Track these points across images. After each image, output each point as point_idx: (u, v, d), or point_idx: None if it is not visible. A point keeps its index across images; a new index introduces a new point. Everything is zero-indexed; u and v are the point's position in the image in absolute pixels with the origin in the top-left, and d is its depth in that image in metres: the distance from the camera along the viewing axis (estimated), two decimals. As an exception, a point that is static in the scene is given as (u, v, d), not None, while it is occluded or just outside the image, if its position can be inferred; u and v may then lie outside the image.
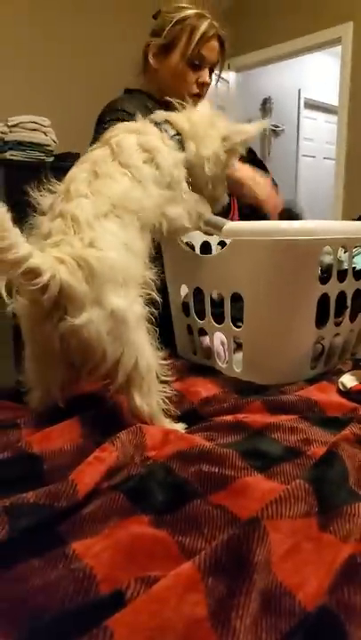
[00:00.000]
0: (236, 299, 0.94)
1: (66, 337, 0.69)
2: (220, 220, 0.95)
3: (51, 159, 2.69)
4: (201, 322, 1.04)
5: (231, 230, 0.93)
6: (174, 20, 1.25)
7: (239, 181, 1.16)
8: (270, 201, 1.22)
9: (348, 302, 1.01)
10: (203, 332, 1.06)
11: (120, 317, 0.70)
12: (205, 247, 1.12)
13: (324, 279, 0.94)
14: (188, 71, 1.29)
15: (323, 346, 1.01)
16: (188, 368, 1.05)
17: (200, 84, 1.31)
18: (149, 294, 0.77)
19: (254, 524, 0.47)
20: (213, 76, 1.36)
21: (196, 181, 0.92)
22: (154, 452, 0.68)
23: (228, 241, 0.94)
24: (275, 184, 1.33)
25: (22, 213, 0.71)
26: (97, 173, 0.77)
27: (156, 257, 0.85)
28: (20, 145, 2.58)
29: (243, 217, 1.37)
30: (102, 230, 0.72)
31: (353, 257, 1.00)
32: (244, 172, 1.16)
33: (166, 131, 0.89)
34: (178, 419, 0.81)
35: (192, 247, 1.08)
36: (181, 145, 0.89)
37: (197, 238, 1.10)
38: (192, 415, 0.83)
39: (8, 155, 2.56)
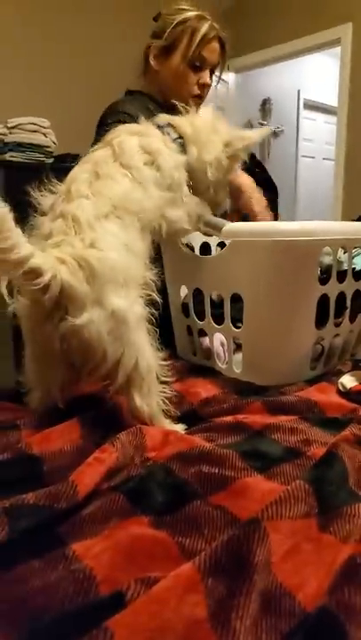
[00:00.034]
0: (236, 299, 0.94)
1: (66, 337, 0.69)
2: (219, 220, 0.95)
3: (50, 160, 2.69)
4: (201, 323, 1.04)
5: (231, 231, 0.93)
6: (175, 22, 1.26)
7: (239, 188, 1.17)
8: (263, 217, 1.23)
9: (348, 303, 1.01)
10: (202, 333, 1.06)
11: (121, 318, 0.70)
12: (205, 248, 1.12)
13: (323, 280, 0.94)
14: (189, 72, 1.30)
15: (322, 346, 1.01)
16: (187, 369, 1.05)
17: (201, 85, 1.32)
18: (150, 295, 0.77)
19: (254, 524, 0.47)
20: (214, 78, 1.36)
21: (197, 185, 0.92)
22: (154, 452, 0.68)
23: (227, 242, 0.94)
24: (273, 200, 1.34)
25: (22, 214, 0.71)
26: (98, 174, 0.78)
27: (156, 258, 0.85)
28: (19, 146, 2.58)
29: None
30: (103, 231, 0.72)
31: (353, 257, 1.00)
32: (245, 179, 1.17)
33: (168, 134, 0.89)
34: (178, 419, 0.81)
35: (192, 248, 1.08)
36: (183, 148, 0.90)
37: (197, 239, 1.10)
38: (192, 416, 0.83)
39: (8, 156, 2.56)
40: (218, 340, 1.04)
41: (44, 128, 2.66)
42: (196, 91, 1.33)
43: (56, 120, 2.75)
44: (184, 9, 1.28)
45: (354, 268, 1.02)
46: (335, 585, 0.42)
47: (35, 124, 2.62)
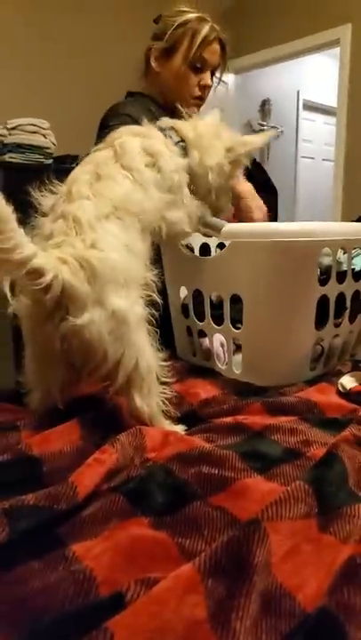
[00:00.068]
0: (236, 300, 0.94)
1: (67, 337, 0.69)
2: (218, 221, 0.95)
3: (50, 161, 2.69)
4: (200, 323, 1.04)
5: (230, 232, 0.93)
6: (176, 24, 1.27)
7: (238, 195, 1.17)
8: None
9: (348, 303, 1.01)
10: (202, 334, 1.07)
11: (121, 318, 0.70)
12: (204, 249, 1.12)
13: (323, 280, 0.94)
14: (190, 74, 1.31)
15: (322, 347, 1.01)
16: (187, 370, 1.05)
17: (202, 86, 1.33)
18: (150, 296, 0.77)
19: (254, 525, 0.47)
20: (214, 79, 1.37)
21: (198, 190, 0.93)
22: (153, 453, 0.68)
23: (227, 243, 0.94)
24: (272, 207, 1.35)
25: (22, 215, 0.71)
26: (99, 175, 0.78)
27: (156, 259, 0.86)
28: (19, 147, 2.58)
29: None
30: (104, 232, 0.73)
31: (352, 258, 1.00)
32: (245, 187, 1.17)
33: (171, 137, 0.89)
34: (177, 420, 0.81)
35: (191, 249, 1.08)
36: (185, 152, 0.90)
37: (196, 240, 1.10)
38: (192, 417, 0.83)
39: (7, 157, 2.56)
40: (218, 341, 1.04)
41: (44, 129, 2.66)
42: (197, 92, 1.34)
43: (56, 121, 2.76)
44: (185, 11, 1.29)
45: (353, 269, 1.02)
46: (335, 585, 0.42)
47: (34, 126, 2.63)
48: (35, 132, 2.63)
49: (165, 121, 0.93)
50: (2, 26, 3.08)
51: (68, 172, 0.82)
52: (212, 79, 1.36)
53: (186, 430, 0.78)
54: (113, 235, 0.74)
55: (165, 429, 0.75)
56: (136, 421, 0.75)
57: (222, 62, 1.35)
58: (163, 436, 0.72)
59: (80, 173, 0.79)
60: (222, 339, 1.03)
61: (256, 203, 1.21)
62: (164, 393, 0.79)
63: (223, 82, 1.42)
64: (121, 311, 0.70)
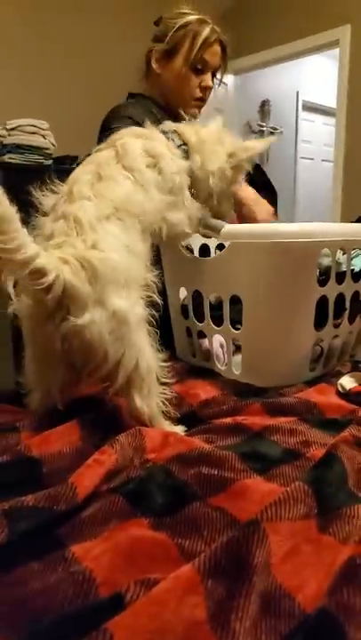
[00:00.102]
0: (235, 301, 0.94)
1: (68, 337, 0.69)
2: (218, 222, 0.95)
3: (49, 162, 2.70)
4: (200, 324, 1.04)
5: (229, 233, 0.93)
6: (177, 26, 1.28)
7: (241, 202, 1.17)
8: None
9: (347, 304, 1.01)
10: (202, 335, 1.07)
11: (122, 318, 0.70)
12: (204, 250, 1.12)
13: (322, 281, 0.94)
14: (191, 75, 1.32)
15: (322, 348, 1.01)
16: (187, 370, 1.05)
17: (203, 87, 1.34)
18: (150, 297, 0.78)
19: (254, 526, 0.47)
20: (215, 80, 1.37)
21: (200, 194, 0.93)
22: (153, 454, 0.68)
23: (226, 243, 0.94)
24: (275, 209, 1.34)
25: (22, 216, 0.71)
26: (100, 176, 0.78)
27: (156, 260, 0.86)
28: (18, 148, 2.58)
29: None
30: (104, 232, 0.73)
31: (351, 259, 1.00)
32: (247, 193, 1.17)
33: (173, 140, 0.90)
34: (177, 421, 0.81)
35: (191, 250, 1.08)
36: (187, 155, 0.91)
37: (196, 241, 1.10)
38: (191, 417, 0.83)
39: (7, 158, 2.56)
40: (217, 342, 1.04)
41: (43, 130, 2.67)
42: (198, 93, 1.34)
43: (55, 122, 2.76)
44: (185, 13, 1.29)
45: (353, 270, 1.02)
46: (335, 586, 0.42)
47: (34, 126, 2.63)
48: (34, 133, 2.63)
49: (168, 124, 0.94)
50: (1, 26, 3.08)
51: (67, 172, 0.82)
52: (212, 80, 1.36)
53: (185, 431, 0.78)
54: (114, 235, 0.74)
55: (165, 430, 0.75)
56: (136, 422, 0.75)
57: (223, 64, 1.36)
58: (162, 437, 0.72)
59: (81, 173, 0.79)
60: (222, 339, 1.03)
61: (259, 207, 1.20)
62: (164, 394, 0.79)
63: (223, 83, 1.42)
64: (121, 311, 0.70)
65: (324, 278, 0.95)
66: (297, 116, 5.51)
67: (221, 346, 1.04)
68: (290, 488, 0.53)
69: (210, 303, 1.01)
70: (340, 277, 0.98)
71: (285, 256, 0.89)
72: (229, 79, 4.42)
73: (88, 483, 0.58)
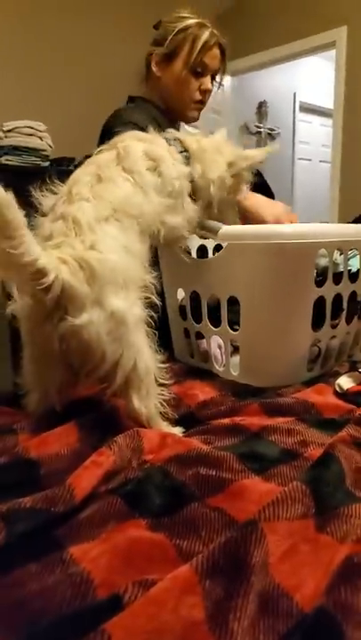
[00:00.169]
0: (233, 302, 0.95)
1: (66, 338, 0.69)
2: (215, 224, 0.96)
3: (47, 164, 2.70)
4: (198, 325, 1.05)
5: (227, 234, 0.93)
6: (176, 30, 1.29)
7: (245, 211, 1.17)
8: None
9: (345, 305, 1.01)
10: (200, 336, 1.07)
11: (120, 319, 0.70)
12: (202, 251, 1.12)
13: (320, 282, 0.94)
14: (191, 78, 1.33)
15: (319, 348, 1.01)
16: (185, 371, 1.05)
17: (202, 90, 1.35)
18: (148, 298, 0.78)
19: (252, 526, 0.47)
20: (214, 83, 1.38)
21: (201, 202, 0.94)
22: (151, 455, 0.68)
23: (224, 244, 0.94)
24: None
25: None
26: (100, 177, 0.79)
27: (154, 261, 0.86)
28: (15, 150, 2.58)
29: None
30: (103, 233, 0.73)
31: (348, 259, 1.01)
32: (252, 200, 1.17)
33: (175, 146, 0.91)
34: (175, 422, 0.81)
35: (189, 252, 1.08)
36: (188, 161, 0.92)
37: (194, 242, 1.10)
38: (189, 418, 0.83)
39: (4, 159, 2.56)
40: (215, 343, 1.04)
41: (40, 131, 2.67)
42: (198, 96, 1.36)
43: (52, 123, 2.76)
44: (184, 17, 1.30)
45: (350, 270, 1.02)
46: (332, 585, 0.42)
47: (31, 128, 2.63)
48: (31, 135, 2.63)
49: (171, 133, 0.95)
50: (-1, 28, 3.09)
51: (65, 173, 0.82)
52: (212, 83, 1.37)
53: (184, 432, 0.78)
54: (112, 237, 0.74)
55: (163, 431, 0.75)
56: (134, 423, 0.75)
57: (222, 66, 1.37)
58: (160, 438, 0.72)
59: (81, 174, 0.80)
60: (220, 340, 1.03)
61: (269, 210, 1.17)
62: (162, 395, 0.79)
63: (221, 84, 1.43)
64: (120, 312, 0.70)
65: (321, 279, 0.95)
66: (294, 118, 5.52)
67: (219, 347, 1.04)
68: (288, 488, 0.53)
69: (208, 304, 1.01)
70: (338, 278, 0.98)
71: (283, 257, 0.89)
72: (226, 80, 4.43)
73: (86, 484, 0.58)
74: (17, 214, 0.59)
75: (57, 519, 0.53)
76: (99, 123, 1.32)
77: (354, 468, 0.61)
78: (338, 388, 0.89)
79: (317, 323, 0.96)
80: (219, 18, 3.91)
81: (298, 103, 5.49)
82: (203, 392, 0.91)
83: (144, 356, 0.75)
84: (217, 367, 1.03)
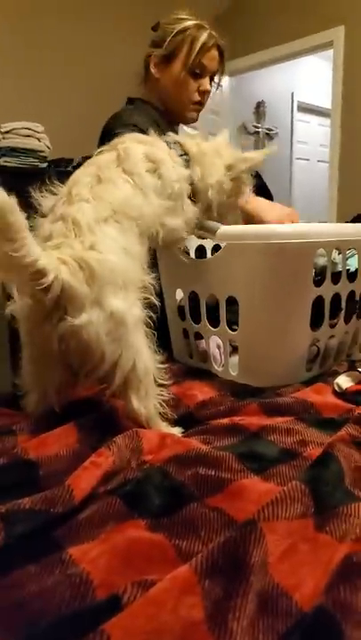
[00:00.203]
0: (232, 302, 0.95)
1: (65, 338, 0.69)
2: (214, 224, 0.96)
3: (45, 165, 2.69)
4: (197, 325, 1.05)
5: (225, 234, 0.93)
6: (175, 31, 1.29)
7: (247, 215, 1.17)
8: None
9: (343, 304, 1.01)
10: (199, 336, 1.07)
11: (119, 319, 0.70)
12: (200, 251, 1.12)
13: (318, 281, 0.94)
14: (190, 80, 1.33)
15: (318, 348, 1.01)
16: (184, 372, 1.05)
17: (201, 91, 1.36)
18: (148, 298, 0.78)
19: (251, 525, 0.47)
20: (213, 84, 1.38)
21: (200, 205, 0.94)
22: (150, 455, 0.68)
23: (222, 245, 0.94)
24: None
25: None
26: (100, 178, 0.79)
27: (153, 262, 0.86)
28: (13, 151, 2.57)
29: None
30: (102, 234, 0.73)
31: (347, 259, 1.01)
32: (255, 204, 1.17)
33: (175, 149, 0.91)
34: (174, 422, 0.81)
35: (187, 252, 1.08)
36: (188, 165, 0.92)
37: (192, 242, 1.10)
38: (188, 419, 0.83)
39: (2, 161, 2.56)
40: (214, 343, 1.04)
41: (38, 133, 2.66)
42: (197, 97, 1.36)
43: (50, 125, 2.76)
44: (183, 18, 1.31)
45: (348, 270, 1.02)
46: (332, 584, 0.42)
47: (28, 129, 2.62)
48: (29, 136, 2.62)
49: (171, 136, 0.95)
50: (-3, 30, 3.08)
51: (63, 174, 0.82)
52: (211, 84, 1.37)
53: (183, 432, 0.78)
54: (111, 238, 0.74)
55: (162, 431, 0.75)
56: (133, 423, 0.75)
57: (221, 68, 1.38)
58: (159, 439, 0.72)
59: (82, 175, 0.80)
60: (219, 341, 1.03)
61: (272, 214, 1.15)
62: (162, 395, 0.79)
63: (219, 86, 1.43)
64: (119, 312, 0.70)
65: (319, 278, 0.95)
66: (292, 117, 5.52)
67: (218, 347, 1.04)
68: (287, 487, 0.53)
69: (206, 304, 1.01)
70: (336, 277, 0.98)
71: (281, 257, 0.89)
72: (225, 80, 4.43)
73: (85, 485, 0.58)
74: (19, 217, 0.59)
75: (56, 520, 0.53)
76: (98, 123, 1.33)
77: (353, 467, 0.61)
78: (337, 388, 0.89)
79: (316, 322, 0.96)
80: (217, 18, 3.92)
81: (296, 103, 5.49)
82: (202, 392, 0.91)
83: (143, 356, 0.75)
84: (216, 367, 1.03)
